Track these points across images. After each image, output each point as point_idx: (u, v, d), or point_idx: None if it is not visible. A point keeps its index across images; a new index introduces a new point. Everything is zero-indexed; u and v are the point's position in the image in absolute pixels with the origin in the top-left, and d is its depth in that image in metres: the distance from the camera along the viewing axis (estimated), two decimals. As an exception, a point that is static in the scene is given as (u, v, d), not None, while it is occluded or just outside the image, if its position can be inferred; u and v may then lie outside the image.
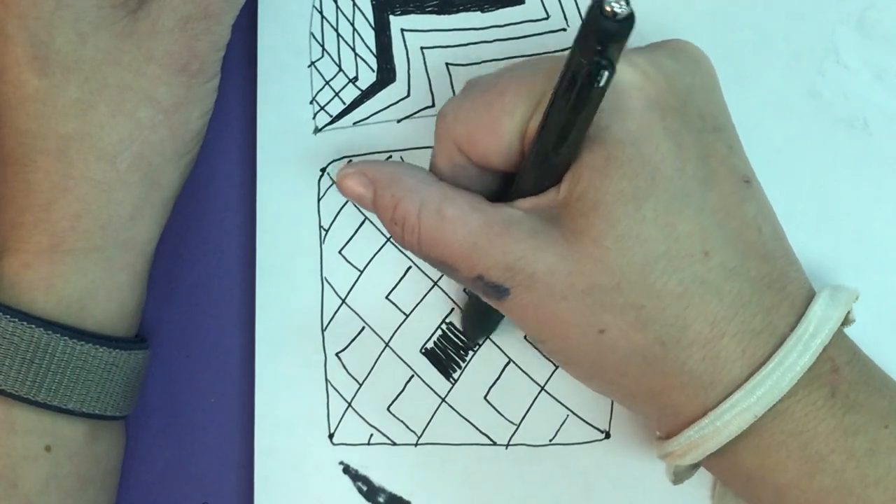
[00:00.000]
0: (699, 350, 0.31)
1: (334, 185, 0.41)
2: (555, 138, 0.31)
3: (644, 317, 0.31)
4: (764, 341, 0.31)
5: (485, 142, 0.33)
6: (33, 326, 0.35)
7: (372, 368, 0.40)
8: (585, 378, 0.34)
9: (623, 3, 0.26)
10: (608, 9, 0.26)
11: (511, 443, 0.39)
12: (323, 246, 0.41)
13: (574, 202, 0.32)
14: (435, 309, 0.40)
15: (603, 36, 0.26)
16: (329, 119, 0.41)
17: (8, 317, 0.35)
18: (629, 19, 0.26)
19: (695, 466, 0.35)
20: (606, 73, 0.27)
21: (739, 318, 0.31)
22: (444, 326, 0.40)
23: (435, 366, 0.40)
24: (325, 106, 0.41)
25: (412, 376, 0.40)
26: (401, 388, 0.40)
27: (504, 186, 0.34)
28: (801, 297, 0.32)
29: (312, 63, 0.42)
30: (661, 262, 0.31)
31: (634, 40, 0.38)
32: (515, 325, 0.35)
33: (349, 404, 0.40)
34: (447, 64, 0.40)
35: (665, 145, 0.31)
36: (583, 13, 0.40)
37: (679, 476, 0.35)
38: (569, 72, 0.28)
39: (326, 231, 0.41)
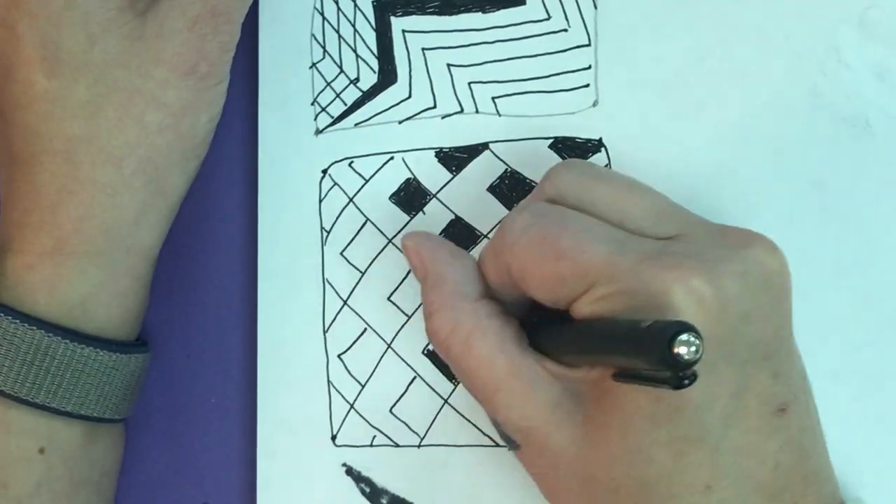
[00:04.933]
0: None
1: (336, 186, 0.41)
2: (600, 362, 0.31)
3: None
4: None
5: (534, 287, 0.33)
6: (34, 328, 0.35)
7: (374, 370, 0.40)
8: None
9: (694, 347, 0.25)
10: (676, 350, 0.25)
11: (513, 444, 0.39)
12: (324, 247, 0.41)
13: (601, 391, 0.32)
14: (437, 310, 0.40)
15: (671, 367, 0.26)
16: (330, 120, 0.41)
17: (9, 318, 0.35)
18: (697, 361, 0.25)
19: None
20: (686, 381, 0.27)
21: None
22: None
23: (437, 367, 0.40)
24: (326, 107, 0.41)
25: (414, 378, 0.40)
26: (403, 390, 0.40)
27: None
28: None
29: (314, 64, 0.42)
30: (662, 485, 0.31)
31: (634, 43, 0.38)
32: None
33: (351, 406, 0.40)
34: (448, 65, 0.40)
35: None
36: (584, 15, 0.39)
37: None
38: (641, 344, 0.27)
39: (328, 232, 0.41)
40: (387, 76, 0.41)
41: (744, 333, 0.30)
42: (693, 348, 0.25)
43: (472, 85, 0.40)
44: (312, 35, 0.42)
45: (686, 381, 0.26)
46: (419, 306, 0.40)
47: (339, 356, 0.41)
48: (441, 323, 0.34)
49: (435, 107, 0.40)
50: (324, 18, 0.42)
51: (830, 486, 0.33)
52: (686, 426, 0.30)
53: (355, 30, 0.41)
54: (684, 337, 0.25)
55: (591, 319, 0.31)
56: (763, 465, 0.31)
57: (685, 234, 0.32)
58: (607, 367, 0.31)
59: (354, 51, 0.41)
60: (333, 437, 0.40)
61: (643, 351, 0.27)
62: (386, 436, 0.40)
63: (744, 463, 0.31)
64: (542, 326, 0.34)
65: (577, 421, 0.32)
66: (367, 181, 0.41)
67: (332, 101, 0.41)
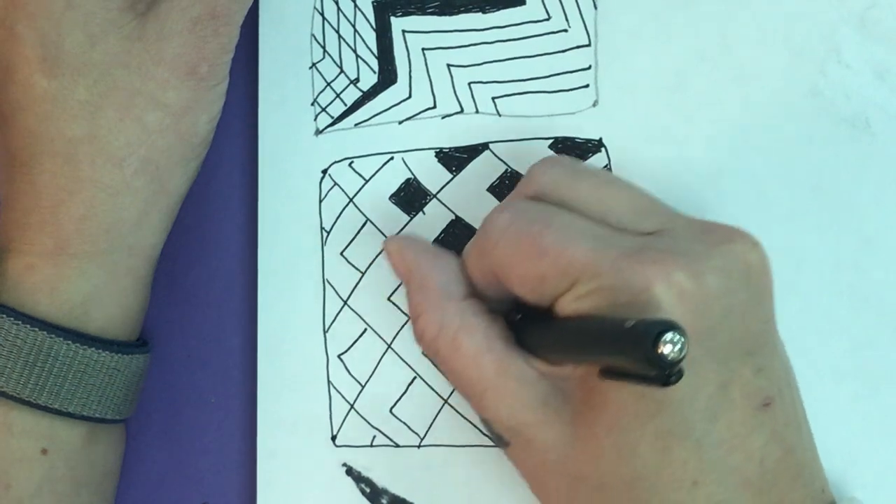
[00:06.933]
0: None
1: (336, 186, 0.41)
2: (585, 360, 0.31)
3: None
4: None
5: (517, 285, 0.33)
6: (36, 329, 0.35)
7: (374, 370, 0.40)
8: None
9: (679, 345, 0.25)
10: (660, 349, 0.26)
11: (513, 444, 0.39)
12: (324, 247, 0.41)
13: (587, 388, 0.32)
14: (437, 310, 0.40)
15: (656, 366, 0.26)
16: (330, 120, 0.41)
17: (11, 319, 0.35)
18: (682, 359, 0.26)
19: None
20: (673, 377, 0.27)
21: None
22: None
23: (437, 367, 0.40)
24: (326, 107, 0.41)
25: (414, 378, 0.40)
26: (403, 390, 0.40)
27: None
28: None
29: (314, 64, 0.42)
30: (649, 481, 0.31)
31: (634, 44, 0.38)
32: None
33: (351, 406, 0.40)
34: (448, 65, 0.40)
35: None
36: (584, 15, 0.39)
37: None
38: (625, 342, 0.27)
39: (328, 233, 0.41)
40: (387, 76, 0.41)
41: (726, 328, 0.30)
42: (678, 347, 0.26)
43: (472, 85, 0.40)
44: (312, 35, 0.42)
45: (672, 379, 0.27)
46: (419, 306, 0.40)
47: (339, 356, 0.41)
48: (428, 324, 0.34)
49: (435, 107, 0.40)
50: (324, 19, 0.42)
51: (819, 481, 0.33)
52: (670, 421, 0.30)
53: (355, 30, 0.41)
54: (669, 336, 0.26)
55: (575, 317, 0.31)
56: (749, 460, 0.31)
57: (667, 230, 0.33)
58: (593, 364, 0.31)
59: (354, 51, 0.41)
60: (333, 438, 0.40)
61: (628, 350, 0.27)
62: (386, 436, 0.40)
63: (729, 458, 0.31)
64: (528, 325, 0.34)
65: (565, 418, 0.32)
66: (367, 181, 0.41)
67: (332, 102, 0.41)
